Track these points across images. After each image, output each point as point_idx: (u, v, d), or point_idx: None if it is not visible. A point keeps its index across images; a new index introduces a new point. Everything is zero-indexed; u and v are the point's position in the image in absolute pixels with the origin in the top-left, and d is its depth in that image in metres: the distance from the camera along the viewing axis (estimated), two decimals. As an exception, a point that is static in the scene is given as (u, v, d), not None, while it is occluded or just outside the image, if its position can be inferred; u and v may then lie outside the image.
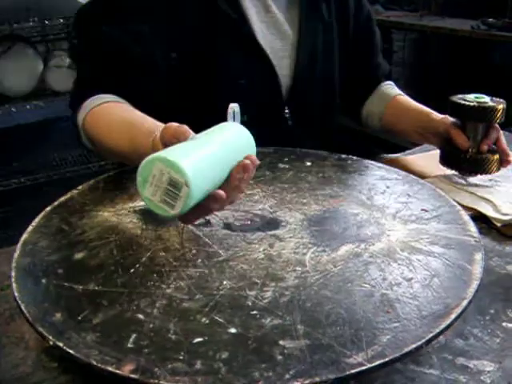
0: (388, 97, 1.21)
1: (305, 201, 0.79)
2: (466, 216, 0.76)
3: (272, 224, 0.72)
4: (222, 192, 0.62)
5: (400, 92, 1.23)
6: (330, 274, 0.60)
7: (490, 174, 0.98)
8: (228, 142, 0.68)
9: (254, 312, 0.54)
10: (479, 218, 0.88)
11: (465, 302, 0.56)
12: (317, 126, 1.18)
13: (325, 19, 1.14)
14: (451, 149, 1.00)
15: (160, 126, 0.73)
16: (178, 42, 1.01)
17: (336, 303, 0.55)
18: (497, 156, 0.98)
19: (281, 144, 1.06)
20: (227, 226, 0.72)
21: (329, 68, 1.16)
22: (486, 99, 0.98)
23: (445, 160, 1.02)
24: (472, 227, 0.72)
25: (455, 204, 0.80)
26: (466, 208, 0.89)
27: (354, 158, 0.96)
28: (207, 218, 0.72)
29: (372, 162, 0.97)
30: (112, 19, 1.01)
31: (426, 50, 3.84)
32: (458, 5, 4.43)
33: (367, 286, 0.58)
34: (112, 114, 0.93)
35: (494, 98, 0.98)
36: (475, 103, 0.97)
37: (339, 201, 0.79)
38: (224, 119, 0.84)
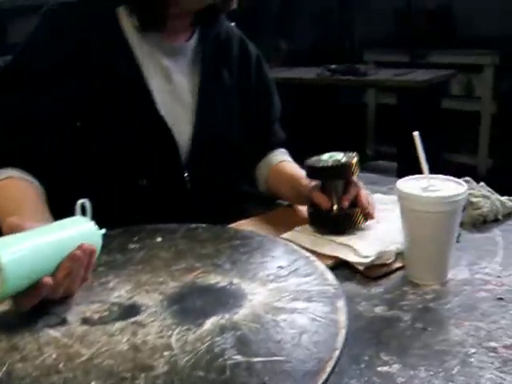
0: (273, 162, 1.31)
1: (161, 279, 0.80)
2: (321, 266, 0.81)
3: (131, 310, 0.72)
4: (47, 279, 0.68)
5: (286, 158, 1.33)
6: (199, 353, 0.62)
7: (356, 227, 1.05)
8: (62, 235, 0.74)
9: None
10: (342, 264, 0.95)
11: (337, 353, 0.60)
12: (216, 189, 1.23)
13: (225, 85, 1.22)
14: (316, 210, 1.07)
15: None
16: (83, 110, 1.06)
17: (210, 382, 0.57)
18: (359, 209, 1.05)
19: (180, 207, 1.14)
20: (85, 321, 0.70)
21: (228, 133, 1.23)
22: (339, 156, 1.06)
23: (312, 222, 1.09)
24: (329, 276, 0.78)
25: (309, 255, 0.85)
26: (327, 257, 0.96)
27: (204, 225, 0.99)
28: (62, 316, 0.71)
29: (222, 226, 1.00)
30: (13, 89, 1.06)
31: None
32: (302, 55, 4.74)
33: (238, 357, 0.60)
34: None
35: (346, 153, 1.07)
36: (329, 163, 1.04)
37: (196, 273, 0.82)
38: (126, 185, 0.99)
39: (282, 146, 1.38)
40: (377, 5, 5.04)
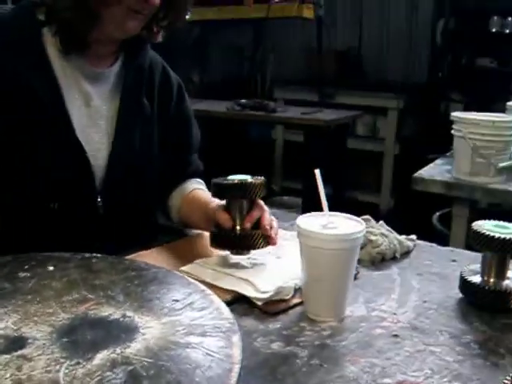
0: (185, 191, 1.30)
1: (51, 310, 0.76)
2: (217, 300, 0.80)
3: (17, 343, 0.68)
4: None
5: (199, 187, 1.32)
6: (86, 390, 0.59)
7: (258, 249, 1.05)
8: None
9: None
10: (241, 298, 0.94)
11: None
12: (129, 217, 1.21)
13: (145, 113, 1.21)
14: (219, 230, 1.07)
15: None
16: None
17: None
18: (260, 231, 1.05)
19: (91, 232, 1.13)
20: (-36, 355, 0.66)
21: (145, 162, 1.22)
22: (246, 177, 1.06)
23: (213, 241, 1.08)
24: (225, 310, 0.76)
25: (205, 289, 0.83)
26: (225, 291, 0.95)
27: (99, 255, 0.96)
28: None
29: (118, 257, 0.98)
30: None
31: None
32: (214, 88, 4.78)
33: (126, 395, 0.58)
34: None
35: (254, 177, 1.07)
36: (235, 181, 1.05)
37: (88, 304, 0.79)
38: (37, 207, 1.03)
39: (199, 177, 1.39)
40: (289, 43, 5.19)
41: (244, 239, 1.05)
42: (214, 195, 1.10)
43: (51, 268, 0.91)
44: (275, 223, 1.09)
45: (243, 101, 3.81)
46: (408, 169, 2.49)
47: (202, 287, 0.84)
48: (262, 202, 1.09)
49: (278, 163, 5.33)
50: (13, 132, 1.06)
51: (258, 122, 4.26)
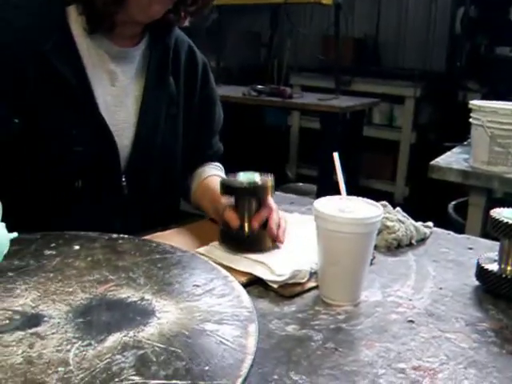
0: (202, 176, 1.30)
1: (71, 289, 0.77)
2: (239, 287, 0.79)
3: (33, 320, 0.69)
4: None
5: (216, 173, 1.31)
6: (95, 371, 0.59)
7: (265, 250, 1.04)
8: None
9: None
10: (256, 281, 0.94)
11: (239, 381, 0.58)
12: (154, 198, 1.21)
13: (171, 92, 1.20)
14: (227, 228, 1.06)
15: None
16: (22, 107, 1.04)
17: (101, 403, 0.54)
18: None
19: (114, 211, 1.13)
20: (-20, 330, 0.67)
21: (171, 142, 1.22)
22: (255, 177, 1.06)
23: (222, 239, 1.08)
24: (245, 298, 0.75)
25: (228, 275, 0.83)
26: (241, 273, 0.94)
27: (126, 236, 0.96)
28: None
29: (144, 239, 0.98)
30: None
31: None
32: (229, 74, 4.77)
33: (135, 378, 0.58)
34: None
35: (263, 175, 1.07)
36: (244, 183, 1.04)
37: (108, 285, 0.79)
38: (61, 186, 1.04)
39: (218, 160, 1.38)
40: (306, 30, 5.16)
41: (252, 240, 1.04)
42: (222, 194, 1.09)
43: (77, 247, 0.91)
44: (283, 222, 1.08)
45: (260, 86, 3.80)
46: (424, 157, 2.47)
47: (225, 273, 0.83)
48: (270, 201, 1.08)
49: (293, 150, 5.32)
50: (39, 111, 1.06)
51: (274, 108, 4.25)
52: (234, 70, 5.17)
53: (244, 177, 1.07)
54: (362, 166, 4.56)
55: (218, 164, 1.38)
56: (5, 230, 0.77)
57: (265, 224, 1.05)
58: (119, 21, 1.08)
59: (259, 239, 1.04)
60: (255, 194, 1.05)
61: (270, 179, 1.07)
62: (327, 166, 3.65)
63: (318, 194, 3.38)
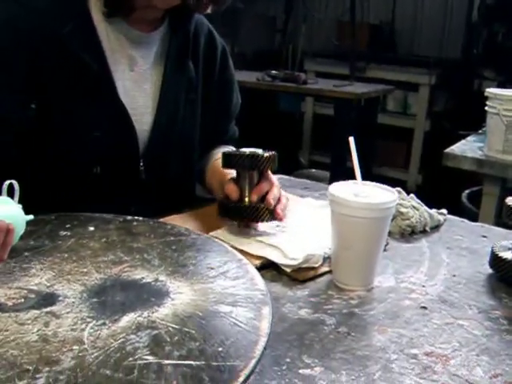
0: (213, 158, 1.30)
1: (85, 270, 0.78)
2: (253, 270, 0.79)
3: (48, 300, 0.69)
4: None
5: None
6: (110, 350, 0.59)
7: (263, 221, 1.04)
8: None
9: (23, 405, 0.51)
10: (270, 265, 0.94)
11: (253, 362, 0.58)
12: (171, 183, 1.21)
13: (190, 77, 1.20)
14: (226, 200, 1.07)
15: None
16: (40, 93, 1.04)
17: (116, 382, 0.54)
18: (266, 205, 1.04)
19: (131, 196, 1.13)
20: (-3, 307, 0.67)
21: (189, 127, 1.22)
22: (257, 150, 1.06)
23: (221, 210, 1.08)
24: (259, 281, 0.76)
25: (242, 258, 0.83)
26: (255, 257, 0.94)
27: (140, 218, 0.97)
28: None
29: (158, 221, 0.98)
30: None
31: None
32: (244, 59, 4.76)
33: (149, 358, 0.58)
34: None
35: (266, 151, 1.06)
36: (245, 153, 1.04)
37: (123, 266, 0.79)
38: (79, 171, 1.04)
39: (233, 144, 1.38)
40: (321, 15, 5.12)
41: (249, 211, 1.04)
42: (224, 166, 1.09)
43: (92, 228, 0.92)
44: (284, 199, 1.08)
45: (274, 72, 3.79)
46: (438, 146, 2.45)
47: (239, 256, 0.84)
48: (271, 176, 1.08)
49: (306, 136, 5.30)
50: (57, 96, 1.05)
51: (288, 93, 4.23)
52: (248, 55, 5.15)
53: (246, 150, 1.07)
54: (375, 153, 4.53)
55: (231, 147, 1.37)
56: (22, 212, 0.77)
57: (264, 198, 1.05)
58: (138, 5, 1.08)
59: (256, 211, 1.04)
60: (256, 165, 1.05)
61: (272, 152, 1.06)
62: (340, 152, 3.64)
63: (331, 181, 3.36)
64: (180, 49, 1.19)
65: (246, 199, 1.06)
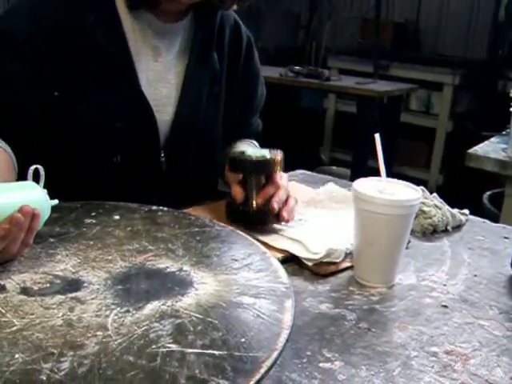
0: (234, 150, 1.26)
1: (110, 257, 0.78)
2: (276, 263, 0.79)
3: (73, 285, 0.70)
4: None
5: (244, 149, 1.29)
6: (133, 337, 0.60)
7: (267, 225, 1.04)
8: (7, 198, 0.74)
9: (48, 387, 0.52)
10: (291, 259, 0.94)
11: (275, 354, 0.58)
12: (192, 176, 1.21)
13: (214, 70, 1.19)
14: (233, 203, 1.06)
15: None
16: (62, 80, 1.04)
17: (139, 368, 0.55)
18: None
19: (152, 187, 1.14)
20: (24, 291, 0.68)
21: (212, 120, 1.21)
22: (264, 152, 1.05)
23: (227, 214, 1.08)
24: (282, 274, 0.76)
25: (266, 251, 0.83)
26: (277, 250, 0.95)
27: (165, 209, 0.97)
28: (2, 283, 0.69)
29: (183, 212, 0.99)
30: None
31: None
32: (267, 54, 4.75)
33: (172, 346, 0.59)
34: None
35: (272, 151, 1.06)
36: (252, 157, 1.04)
37: (147, 255, 0.80)
38: (100, 160, 1.05)
39: (256, 137, 1.37)
40: (345, 12, 5.10)
41: (253, 215, 1.04)
42: (229, 170, 1.08)
43: (117, 217, 0.93)
44: (292, 201, 1.06)
45: (297, 68, 3.78)
46: (460, 146, 2.44)
47: (263, 249, 0.84)
48: (278, 179, 1.05)
49: (328, 133, 5.28)
50: (80, 85, 1.06)
51: (311, 89, 4.22)
52: (271, 51, 5.14)
53: (252, 152, 1.06)
54: (396, 152, 4.51)
55: (252, 141, 1.36)
56: (47, 197, 0.78)
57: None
58: None
59: (262, 216, 1.03)
60: (261, 169, 1.04)
61: (279, 154, 1.06)
62: (362, 150, 3.63)
63: (352, 179, 3.35)
64: (204, 41, 1.18)
65: (254, 202, 1.05)
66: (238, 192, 1.05)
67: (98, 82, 1.07)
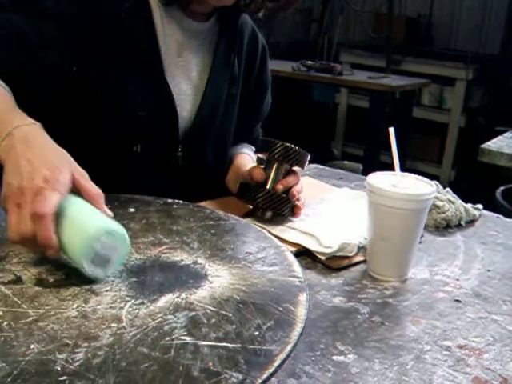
0: (232, 153, 1.30)
1: (125, 250, 0.79)
2: (291, 257, 0.79)
3: (88, 277, 0.71)
4: None
5: (244, 151, 1.32)
6: (147, 329, 0.60)
7: (280, 213, 1.04)
8: None
9: (63, 378, 0.51)
10: (304, 252, 0.95)
11: (289, 348, 0.58)
12: (206, 173, 1.22)
13: (234, 71, 1.21)
14: (249, 183, 1.07)
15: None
16: (85, 58, 1.04)
17: (153, 360, 0.55)
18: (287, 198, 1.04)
19: (167, 181, 1.14)
20: (40, 283, 0.68)
21: (228, 120, 1.23)
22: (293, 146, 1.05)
23: (240, 192, 1.08)
24: (297, 267, 0.76)
25: (281, 245, 0.83)
26: (290, 243, 0.95)
27: (181, 202, 0.97)
28: (18, 274, 0.69)
29: (198, 205, 0.99)
30: (22, 11, 1.00)
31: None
32: (279, 48, 4.74)
33: (186, 338, 0.58)
34: None
35: (301, 150, 1.06)
36: (286, 143, 1.04)
37: (162, 248, 0.80)
38: (120, 148, 1.08)
39: (254, 144, 1.38)
40: (358, 7, 5.07)
41: (274, 200, 1.03)
42: (257, 150, 1.09)
43: (132, 210, 0.92)
44: (303, 199, 1.08)
45: (309, 62, 3.77)
46: (473, 141, 2.42)
47: (278, 243, 0.83)
48: (299, 174, 1.09)
49: (340, 127, 5.27)
50: (105, 66, 1.06)
51: (323, 84, 4.21)
52: (284, 45, 5.13)
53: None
54: (408, 147, 4.49)
55: (252, 147, 1.38)
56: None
57: (286, 193, 1.05)
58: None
59: (278, 201, 1.03)
60: (288, 157, 1.04)
61: (306, 153, 1.06)
62: (374, 145, 3.61)
63: (364, 173, 3.35)
64: (228, 43, 1.19)
65: (269, 184, 1.06)
66: (258, 172, 1.07)
67: (123, 68, 1.07)
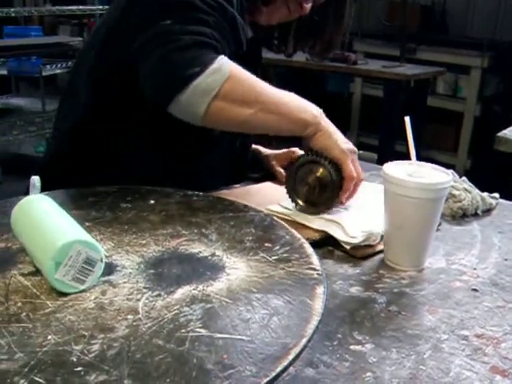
0: None
1: (144, 242, 0.78)
2: (309, 249, 0.78)
3: (106, 269, 0.70)
4: None
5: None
6: (163, 321, 0.60)
7: (318, 205, 1.04)
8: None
9: (79, 368, 0.52)
10: (323, 244, 0.95)
11: (304, 341, 0.57)
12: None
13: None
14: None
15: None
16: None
17: (168, 352, 0.55)
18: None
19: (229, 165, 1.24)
20: (58, 274, 0.69)
21: None
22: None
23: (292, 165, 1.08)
24: (315, 260, 0.74)
25: (299, 237, 0.82)
26: (314, 230, 0.95)
27: (201, 194, 0.97)
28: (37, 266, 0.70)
29: (218, 197, 0.98)
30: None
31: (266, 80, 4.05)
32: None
33: (201, 330, 0.58)
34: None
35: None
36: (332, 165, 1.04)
37: (181, 240, 0.80)
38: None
39: None
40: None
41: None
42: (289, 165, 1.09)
43: (152, 201, 0.93)
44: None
45: (324, 52, 3.74)
46: (488, 130, 2.40)
47: (297, 235, 0.83)
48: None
49: (354, 117, 5.24)
50: None
51: (337, 73, 4.19)
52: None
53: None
54: (424, 136, 4.45)
55: None
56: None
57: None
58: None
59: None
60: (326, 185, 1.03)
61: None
62: (389, 134, 3.59)
63: (379, 163, 3.32)
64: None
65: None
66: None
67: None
